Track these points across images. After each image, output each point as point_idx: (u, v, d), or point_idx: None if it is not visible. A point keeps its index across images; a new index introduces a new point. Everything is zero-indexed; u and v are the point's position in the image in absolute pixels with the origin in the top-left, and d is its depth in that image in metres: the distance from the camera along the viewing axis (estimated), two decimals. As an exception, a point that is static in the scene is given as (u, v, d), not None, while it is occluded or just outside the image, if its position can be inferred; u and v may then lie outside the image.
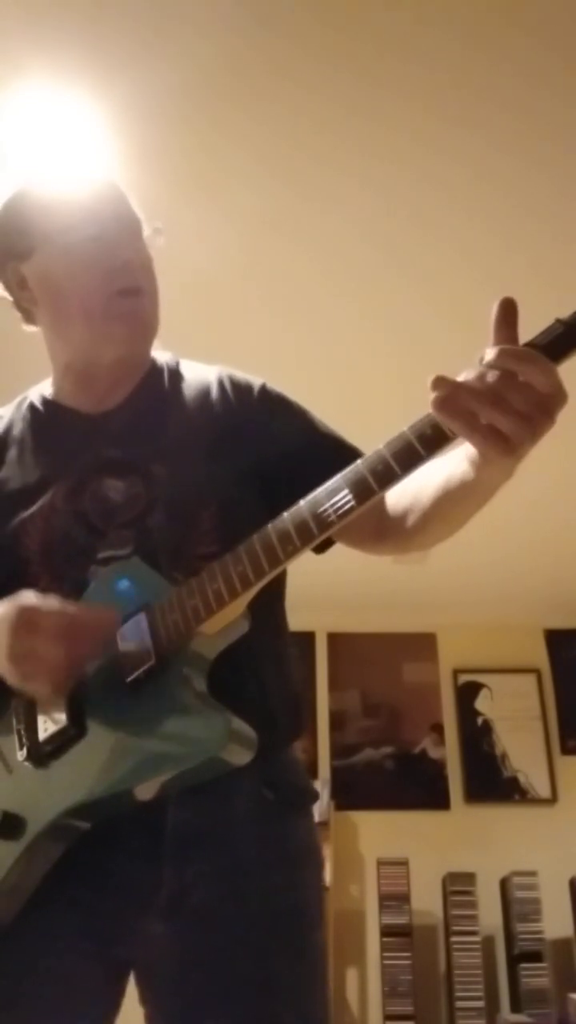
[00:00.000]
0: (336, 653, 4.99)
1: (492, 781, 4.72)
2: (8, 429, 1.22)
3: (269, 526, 0.93)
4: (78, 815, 0.94)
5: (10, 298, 1.20)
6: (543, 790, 4.69)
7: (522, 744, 4.79)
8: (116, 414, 1.18)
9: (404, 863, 4.24)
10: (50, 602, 0.98)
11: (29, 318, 1.21)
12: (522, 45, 2.24)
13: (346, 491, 0.88)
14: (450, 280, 2.90)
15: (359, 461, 0.89)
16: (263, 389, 1.20)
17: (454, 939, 4.12)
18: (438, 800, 4.65)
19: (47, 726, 0.99)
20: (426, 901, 4.26)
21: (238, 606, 0.95)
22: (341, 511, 0.88)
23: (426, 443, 0.83)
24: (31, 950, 0.97)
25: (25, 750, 1.00)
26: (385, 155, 2.51)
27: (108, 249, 1.12)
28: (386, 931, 4.15)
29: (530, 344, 0.79)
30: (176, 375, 1.22)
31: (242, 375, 1.22)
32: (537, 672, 4.95)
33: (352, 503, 0.88)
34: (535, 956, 4.06)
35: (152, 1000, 1.00)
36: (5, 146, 2.40)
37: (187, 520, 1.07)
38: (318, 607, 4.87)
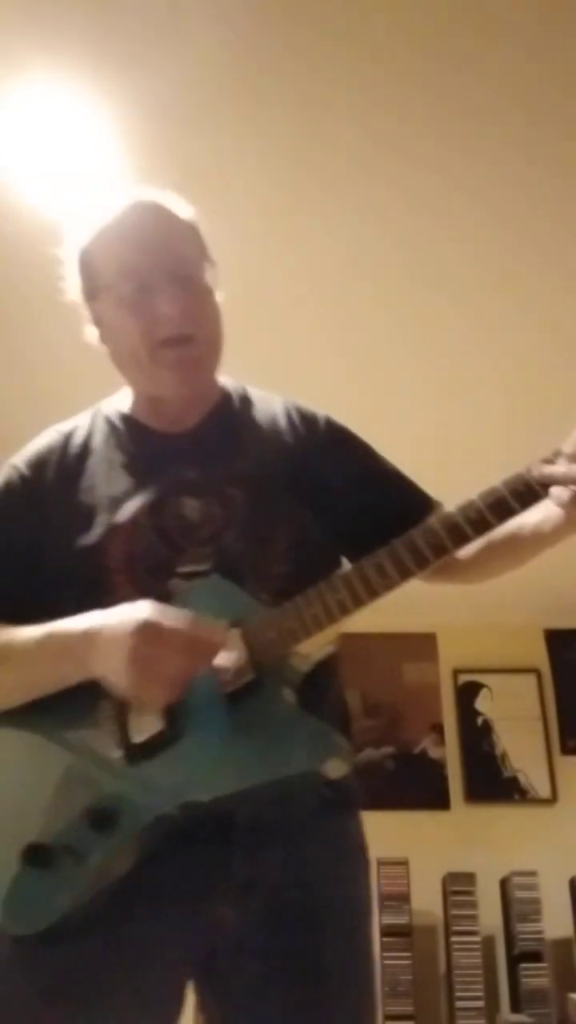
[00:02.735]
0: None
1: (492, 781, 4.72)
2: (88, 438, 1.26)
3: (365, 559, 1.03)
4: (171, 818, 0.99)
5: (95, 330, 1.25)
6: (543, 790, 4.69)
7: (522, 744, 4.79)
8: (192, 436, 1.24)
9: (404, 863, 4.24)
10: (174, 614, 1.02)
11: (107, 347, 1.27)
12: (539, 41, 2.23)
13: (443, 534, 1.01)
14: (462, 279, 2.90)
15: (456, 509, 1.02)
16: (328, 422, 1.29)
17: (454, 939, 4.12)
18: (438, 800, 4.65)
19: (141, 728, 1.04)
20: (426, 901, 4.26)
21: (332, 631, 1.04)
22: (437, 550, 1.01)
23: (520, 499, 0.99)
24: (114, 937, 1.00)
25: (123, 750, 1.04)
26: (394, 151, 2.50)
27: (148, 301, 1.16)
28: (386, 931, 4.15)
29: None
30: (245, 402, 1.30)
31: (306, 407, 1.30)
32: (537, 672, 4.95)
33: (448, 544, 1.01)
34: (535, 956, 4.07)
35: (209, 988, 1.05)
36: (8, 145, 2.41)
37: (262, 540, 1.14)
38: (318, 607, 4.88)
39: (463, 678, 4.95)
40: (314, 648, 1.05)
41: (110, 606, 1.04)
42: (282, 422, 1.26)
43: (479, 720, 4.88)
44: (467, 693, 4.93)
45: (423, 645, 5.00)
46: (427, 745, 4.82)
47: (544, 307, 2.95)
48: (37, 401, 2.35)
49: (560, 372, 3.15)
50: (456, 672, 4.96)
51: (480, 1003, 3.99)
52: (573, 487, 0.97)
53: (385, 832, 4.64)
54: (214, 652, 1.00)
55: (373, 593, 1.02)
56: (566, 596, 4.76)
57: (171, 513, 1.16)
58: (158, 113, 2.36)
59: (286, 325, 3.04)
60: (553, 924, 4.14)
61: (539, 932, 4.10)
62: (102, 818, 0.99)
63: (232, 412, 1.28)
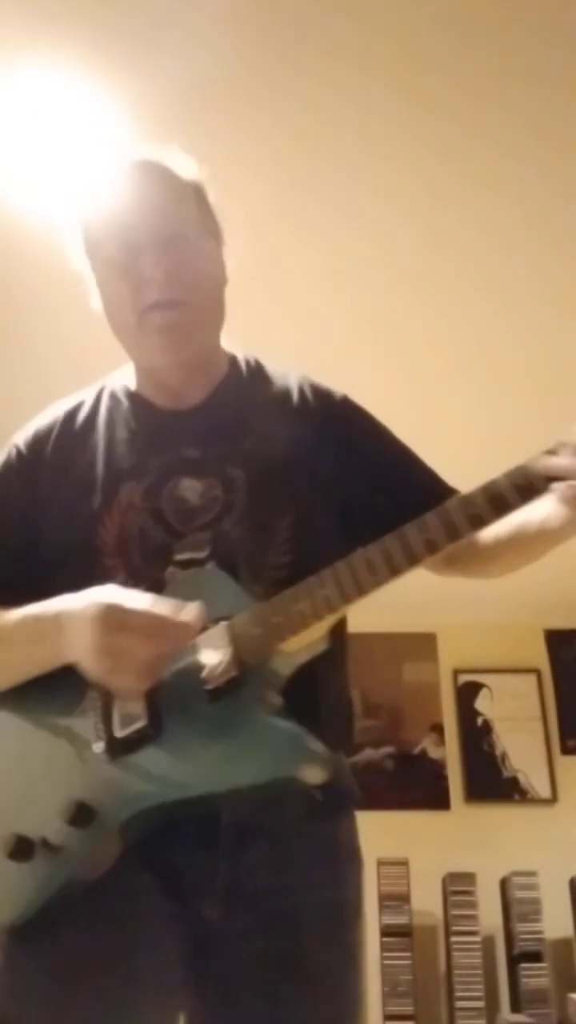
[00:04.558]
0: (336, 653, 4.99)
1: (492, 781, 4.72)
2: (92, 414, 1.21)
3: (357, 553, 0.98)
4: (150, 815, 0.97)
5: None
6: (543, 790, 4.69)
7: (522, 744, 4.79)
8: (196, 413, 1.18)
9: (404, 863, 4.24)
10: (138, 598, 0.98)
11: None
12: (532, 50, 2.24)
13: (439, 528, 0.95)
14: (451, 285, 2.90)
15: (451, 501, 0.97)
16: (344, 399, 1.22)
17: (454, 939, 4.12)
18: (438, 800, 4.65)
19: (124, 722, 1.01)
20: (426, 901, 4.26)
21: (320, 628, 0.98)
22: (431, 546, 0.95)
23: (520, 493, 0.93)
24: (99, 933, 0.98)
25: (104, 743, 1.01)
26: (393, 156, 2.50)
27: (135, 263, 1.11)
28: (386, 931, 4.15)
29: None
30: (256, 377, 1.23)
31: (322, 383, 1.23)
32: (537, 672, 4.95)
33: (443, 540, 0.95)
34: (535, 956, 4.07)
35: (196, 983, 1.02)
36: (10, 139, 2.41)
37: (262, 528, 1.08)
38: (318, 607, 4.87)
39: (463, 678, 4.95)
40: (304, 646, 1.00)
41: None
42: (295, 398, 1.20)
43: (479, 720, 4.87)
44: (467, 693, 4.93)
45: (423, 645, 5.00)
46: (427, 745, 4.82)
47: (570, 285, 2.90)
48: (40, 376, 2.32)
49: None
50: (456, 672, 4.96)
51: (480, 1003, 3.99)
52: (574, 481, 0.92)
53: (385, 832, 4.67)
54: (184, 633, 0.96)
55: (361, 590, 0.97)
56: (566, 596, 4.75)
57: (169, 495, 1.11)
58: (161, 109, 2.36)
59: (299, 310, 3.02)
60: (553, 924, 4.14)
61: (539, 932, 4.10)
62: (80, 813, 0.96)
63: (240, 387, 1.21)
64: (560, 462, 0.93)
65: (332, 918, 1.04)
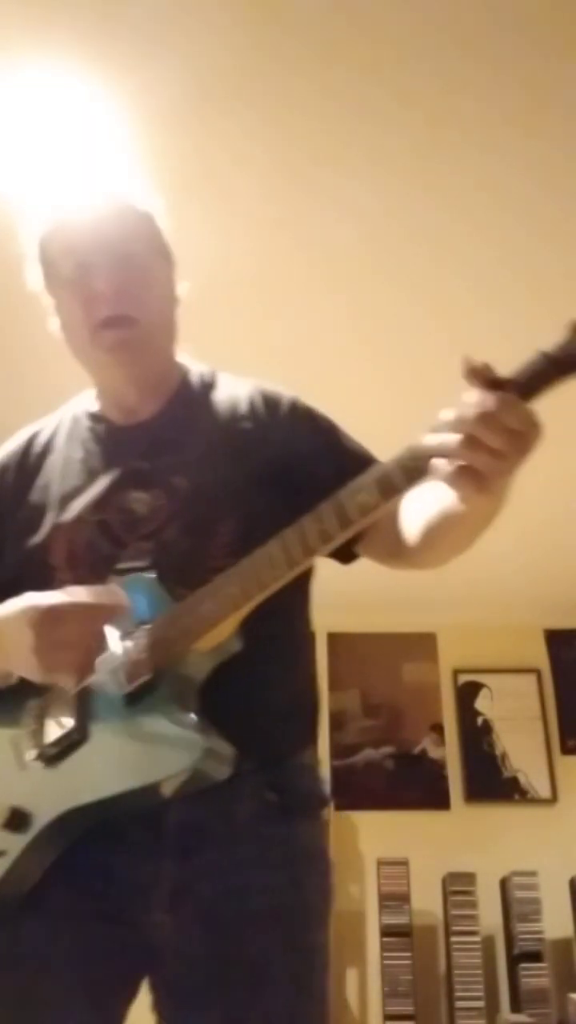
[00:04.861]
0: (336, 653, 4.99)
1: (492, 781, 4.72)
2: (52, 437, 1.26)
3: (259, 549, 0.97)
4: (76, 816, 0.99)
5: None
6: (543, 790, 4.69)
7: (522, 744, 4.79)
8: (146, 426, 1.21)
9: (404, 863, 4.24)
10: (53, 594, 1.02)
11: None
12: (529, 55, 2.24)
13: (332, 518, 0.93)
14: (446, 289, 2.90)
15: (343, 489, 0.93)
16: (292, 403, 1.22)
17: (454, 939, 4.12)
18: (438, 800, 4.65)
19: (54, 729, 1.04)
20: (426, 901, 4.26)
21: (228, 626, 0.98)
22: (325, 536, 0.93)
23: (408, 475, 0.89)
24: (39, 934, 1.01)
25: (35, 750, 1.05)
26: (389, 160, 2.50)
27: (86, 280, 1.13)
28: (386, 931, 4.15)
29: (511, 379, 0.84)
30: (208, 388, 1.24)
31: (273, 389, 1.23)
32: (537, 672, 4.95)
33: (336, 530, 0.93)
34: (535, 956, 4.06)
35: (156, 991, 1.04)
36: (13, 143, 2.41)
37: (203, 533, 1.09)
38: (318, 607, 4.81)
39: (463, 678, 4.95)
40: (214, 647, 1.00)
41: None
42: (243, 406, 1.20)
43: (479, 720, 4.87)
44: (467, 693, 4.93)
45: (423, 645, 5.00)
46: (427, 745, 4.82)
47: (521, 318, 2.91)
48: (20, 399, 2.32)
49: None
50: (456, 672, 4.96)
51: (480, 1003, 3.99)
52: (457, 460, 0.84)
53: (385, 832, 4.69)
54: (108, 608, 1.00)
55: (263, 585, 0.96)
56: (566, 596, 4.76)
57: (116, 507, 1.13)
58: (159, 113, 2.36)
59: (292, 315, 3.02)
60: (553, 924, 4.14)
61: (539, 932, 4.10)
62: (14, 818, 1.01)
63: (190, 398, 1.23)
64: (433, 440, 0.87)
65: (290, 921, 1.02)
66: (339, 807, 4.50)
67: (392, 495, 0.91)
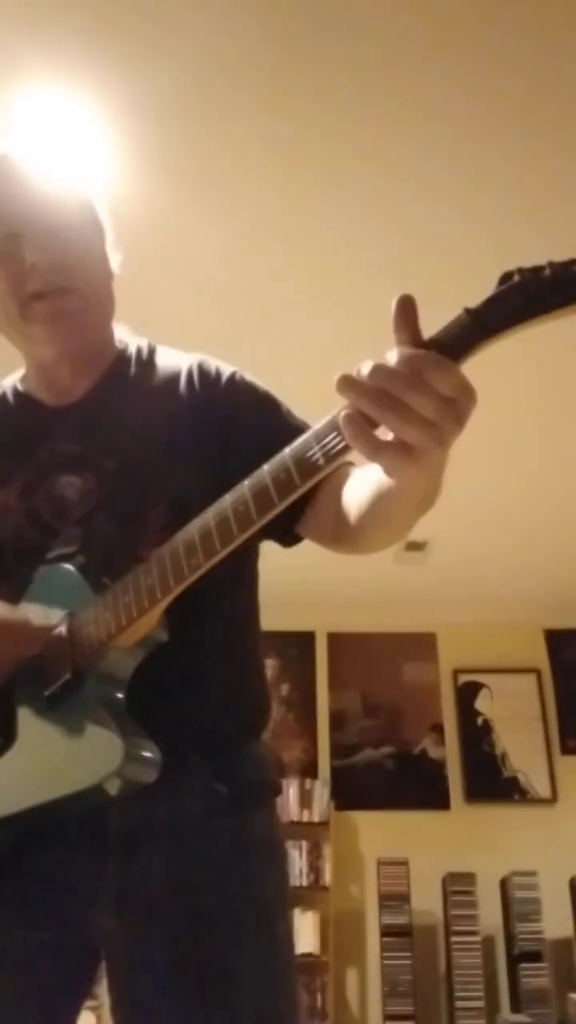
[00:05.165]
0: (336, 653, 4.99)
1: (492, 781, 4.72)
2: None
3: (177, 537, 0.90)
4: (6, 824, 0.95)
5: None
6: (543, 790, 4.69)
7: (522, 744, 4.79)
8: (77, 407, 1.14)
9: (404, 863, 4.25)
10: None
11: None
12: (525, 52, 2.24)
13: (251, 502, 0.83)
14: (441, 290, 2.89)
15: (263, 467, 0.84)
16: (231, 377, 1.14)
17: (454, 939, 4.12)
18: (438, 800, 4.65)
19: None
20: (426, 901, 4.26)
21: (151, 619, 0.92)
22: (245, 520, 0.84)
23: (328, 456, 0.78)
24: None
25: None
26: (380, 161, 2.51)
27: (16, 251, 1.07)
28: (386, 931, 4.16)
29: (435, 340, 0.72)
30: (146, 364, 1.17)
31: (215, 363, 1.16)
32: (537, 672, 4.95)
33: (256, 513, 0.83)
34: (535, 956, 4.07)
35: (112, 994, 1.00)
36: (13, 134, 2.41)
37: (132, 519, 1.03)
38: (318, 607, 4.89)
39: (463, 678, 4.96)
40: (138, 640, 0.93)
41: None
42: (182, 381, 1.12)
43: (479, 720, 4.88)
44: (467, 693, 4.93)
45: (423, 645, 5.01)
46: (427, 745, 4.82)
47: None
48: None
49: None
50: (456, 672, 4.96)
51: (480, 1003, 3.99)
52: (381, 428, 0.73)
53: (385, 832, 4.69)
54: (19, 649, 0.96)
55: (181, 576, 0.88)
56: (566, 596, 4.76)
57: (44, 493, 1.07)
58: (153, 116, 2.36)
59: (285, 316, 3.03)
60: (553, 924, 4.14)
61: (539, 932, 4.10)
62: None
63: (124, 376, 1.15)
64: (356, 409, 0.74)
65: (249, 914, 0.97)
66: (339, 807, 4.50)
67: (313, 475, 0.79)
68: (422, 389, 0.70)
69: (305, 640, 4.94)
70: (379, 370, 0.71)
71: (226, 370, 1.14)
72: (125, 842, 0.96)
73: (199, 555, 0.87)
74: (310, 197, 2.62)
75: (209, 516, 0.87)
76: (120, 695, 0.94)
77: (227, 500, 0.86)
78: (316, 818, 4.40)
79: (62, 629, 0.96)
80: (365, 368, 0.72)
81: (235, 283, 2.87)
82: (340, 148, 2.48)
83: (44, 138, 2.41)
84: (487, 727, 4.85)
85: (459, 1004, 4.00)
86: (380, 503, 0.90)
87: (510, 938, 4.18)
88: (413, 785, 4.70)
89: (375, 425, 0.72)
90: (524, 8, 2.17)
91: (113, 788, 0.90)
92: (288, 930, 1.04)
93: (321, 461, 0.78)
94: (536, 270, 0.68)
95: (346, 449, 0.75)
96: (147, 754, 0.90)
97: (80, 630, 0.95)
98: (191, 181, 2.55)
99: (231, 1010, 0.92)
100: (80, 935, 0.97)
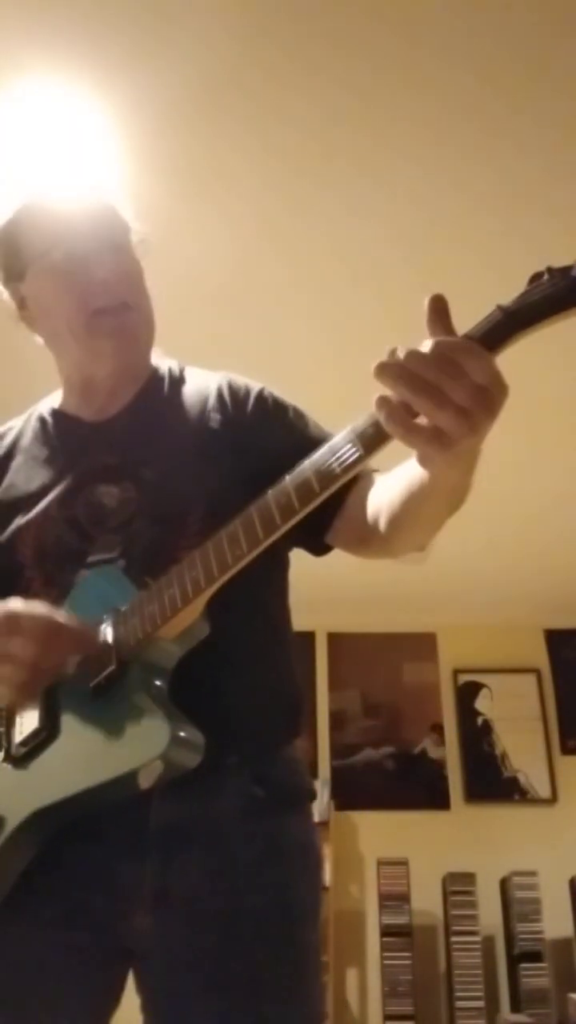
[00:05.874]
0: (336, 653, 4.99)
1: (492, 781, 4.72)
2: (17, 439, 1.25)
3: (219, 532, 0.93)
4: (49, 814, 0.96)
5: (18, 316, 1.23)
6: (543, 790, 4.69)
7: (522, 744, 4.79)
8: (115, 421, 1.20)
9: (404, 863, 4.25)
10: (36, 607, 0.99)
11: (36, 333, 1.25)
12: (539, 41, 2.23)
13: (293, 493, 0.87)
14: (441, 290, 2.90)
15: (306, 463, 0.87)
16: (259, 394, 1.21)
17: (454, 939, 4.12)
18: (438, 800, 4.65)
19: (22, 728, 1.02)
20: (426, 901, 4.26)
21: (194, 610, 0.96)
22: (287, 511, 0.87)
23: (367, 444, 0.81)
24: (18, 941, 0.98)
25: (3, 751, 1.03)
26: (378, 162, 2.51)
27: (83, 268, 1.14)
28: (386, 931, 4.15)
29: (468, 335, 0.76)
30: (177, 382, 1.24)
31: (242, 380, 1.23)
32: (537, 672, 4.96)
33: (297, 504, 0.87)
34: (535, 956, 4.07)
35: (144, 993, 1.01)
36: (5, 146, 2.41)
37: (171, 523, 1.08)
38: (318, 607, 4.87)
39: (463, 678, 4.96)
40: (181, 633, 0.97)
41: None
42: (212, 398, 1.19)
43: (479, 720, 4.88)
44: (467, 693, 4.93)
45: (423, 645, 5.01)
46: (427, 745, 4.82)
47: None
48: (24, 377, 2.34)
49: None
50: (456, 672, 4.96)
51: (480, 1003, 3.99)
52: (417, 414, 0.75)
53: (385, 832, 4.68)
54: (73, 648, 0.98)
55: (225, 565, 0.91)
56: (566, 596, 4.76)
57: (83, 501, 1.12)
58: (153, 116, 2.36)
59: (280, 320, 3.03)
60: (553, 924, 4.14)
61: (539, 932, 4.10)
62: None
63: (159, 392, 1.22)
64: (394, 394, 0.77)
65: (280, 919, 0.99)
66: (339, 807, 4.50)
67: (351, 469, 0.83)
68: (456, 375, 0.73)
69: (305, 640, 4.94)
70: (414, 355, 0.74)
71: (254, 387, 1.22)
72: (163, 842, 0.98)
73: (242, 544, 0.90)
74: (310, 199, 2.63)
75: (252, 509, 0.91)
76: (163, 684, 0.96)
77: (269, 494, 0.90)
78: (316, 818, 4.35)
79: (108, 625, 0.99)
80: (401, 351, 0.74)
81: (234, 284, 2.87)
82: (340, 151, 2.49)
83: (43, 137, 2.42)
84: (487, 727, 4.85)
85: (459, 1004, 4.00)
86: (411, 500, 0.94)
87: (510, 938, 4.17)
88: (413, 785, 4.70)
89: (412, 413, 0.75)
90: (517, 11, 2.17)
91: (149, 780, 0.91)
92: (318, 939, 1.05)
93: (360, 451, 0.81)
94: (565, 270, 0.73)
95: (384, 437, 0.79)
96: (192, 738, 0.93)
97: (125, 623, 0.98)
98: (191, 183, 2.55)
99: (258, 1014, 0.94)
100: (117, 936, 0.99)
